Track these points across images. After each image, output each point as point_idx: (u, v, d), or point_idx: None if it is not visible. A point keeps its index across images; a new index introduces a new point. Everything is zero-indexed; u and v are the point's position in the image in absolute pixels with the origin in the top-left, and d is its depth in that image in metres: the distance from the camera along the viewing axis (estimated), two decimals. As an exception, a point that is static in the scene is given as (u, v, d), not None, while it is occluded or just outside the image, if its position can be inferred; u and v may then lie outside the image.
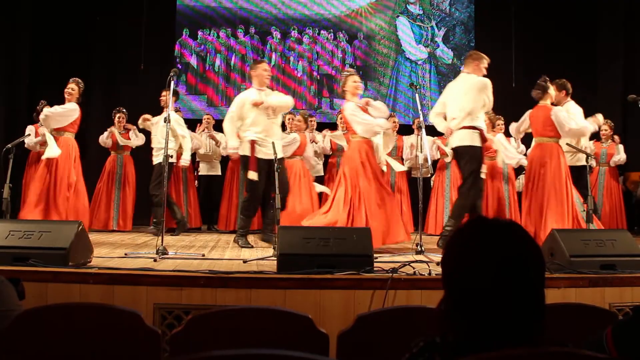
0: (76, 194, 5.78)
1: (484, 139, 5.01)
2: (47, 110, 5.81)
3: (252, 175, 5.03)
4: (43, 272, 3.10)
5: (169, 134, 4.57)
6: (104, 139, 7.20)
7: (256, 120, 5.15)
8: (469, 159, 4.93)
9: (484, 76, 5.03)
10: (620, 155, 7.35)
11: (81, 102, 5.98)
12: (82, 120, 6.07)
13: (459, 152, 5.02)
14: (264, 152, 5.09)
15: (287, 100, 5.44)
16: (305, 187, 6.58)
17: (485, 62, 5.06)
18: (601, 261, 3.45)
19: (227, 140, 5.41)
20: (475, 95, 4.90)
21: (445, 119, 5.15)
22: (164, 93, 6.45)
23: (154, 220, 6.53)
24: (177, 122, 6.34)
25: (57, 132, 5.79)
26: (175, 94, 6.42)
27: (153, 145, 6.55)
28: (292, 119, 7.19)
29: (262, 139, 5.12)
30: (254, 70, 5.39)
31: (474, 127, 4.91)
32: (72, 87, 5.91)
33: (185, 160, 6.34)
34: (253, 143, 5.09)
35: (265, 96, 5.23)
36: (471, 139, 4.92)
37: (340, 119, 7.49)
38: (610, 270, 3.41)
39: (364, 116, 5.10)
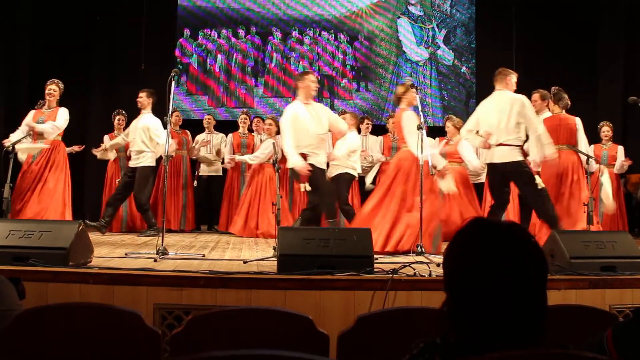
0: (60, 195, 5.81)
1: (524, 153, 5.04)
2: (57, 125, 5.80)
3: (305, 187, 4.93)
4: (43, 271, 3.10)
5: (169, 135, 4.55)
6: (109, 155, 7.17)
7: (305, 134, 5.03)
8: (518, 175, 4.95)
9: (515, 91, 5.10)
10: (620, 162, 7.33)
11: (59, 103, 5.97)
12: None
13: (498, 168, 5.02)
14: (318, 162, 5.03)
15: (345, 126, 5.54)
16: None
17: (514, 77, 5.11)
18: (601, 263, 3.44)
19: (290, 158, 4.98)
20: (511, 112, 4.92)
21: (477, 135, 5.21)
22: (140, 94, 6.43)
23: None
24: (157, 125, 6.33)
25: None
26: (152, 95, 6.41)
27: (131, 148, 6.49)
28: (259, 123, 7.31)
29: (312, 151, 5.04)
30: (302, 82, 5.16)
31: (512, 145, 4.93)
32: (54, 89, 5.85)
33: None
34: (304, 156, 4.95)
35: (313, 109, 5.12)
36: (512, 155, 4.94)
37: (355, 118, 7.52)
38: (610, 272, 3.40)
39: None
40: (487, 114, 5.08)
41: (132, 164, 6.44)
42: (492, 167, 5.15)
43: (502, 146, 4.94)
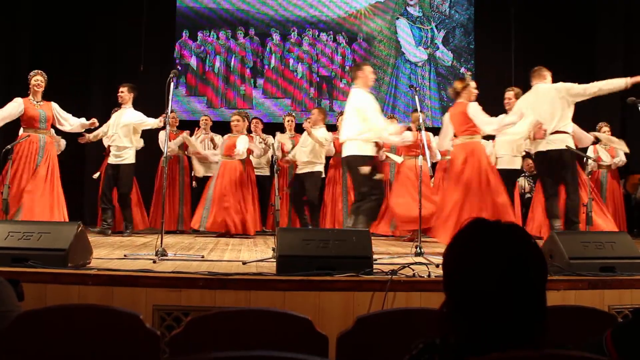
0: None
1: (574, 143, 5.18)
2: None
3: (380, 176, 4.95)
4: (42, 273, 3.09)
5: (168, 135, 4.54)
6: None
7: (377, 122, 5.01)
8: (569, 161, 5.03)
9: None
10: (619, 157, 7.34)
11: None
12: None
13: (549, 156, 5.08)
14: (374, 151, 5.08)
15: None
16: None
17: (549, 75, 5.31)
18: (600, 263, 3.45)
19: (383, 133, 4.99)
20: (559, 98, 5.07)
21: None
22: (122, 89, 6.42)
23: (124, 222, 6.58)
24: (140, 116, 6.38)
25: (48, 131, 5.83)
26: (134, 89, 6.41)
27: (112, 143, 6.44)
28: (258, 124, 7.41)
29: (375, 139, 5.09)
30: (361, 72, 5.17)
31: (567, 132, 5.06)
32: (40, 80, 5.77)
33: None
34: (378, 145, 4.99)
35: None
36: (570, 141, 5.08)
37: (337, 119, 7.49)
38: (609, 273, 3.40)
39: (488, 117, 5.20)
40: (537, 106, 5.15)
41: (112, 161, 6.42)
42: (542, 156, 5.16)
43: (559, 133, 5.04)
